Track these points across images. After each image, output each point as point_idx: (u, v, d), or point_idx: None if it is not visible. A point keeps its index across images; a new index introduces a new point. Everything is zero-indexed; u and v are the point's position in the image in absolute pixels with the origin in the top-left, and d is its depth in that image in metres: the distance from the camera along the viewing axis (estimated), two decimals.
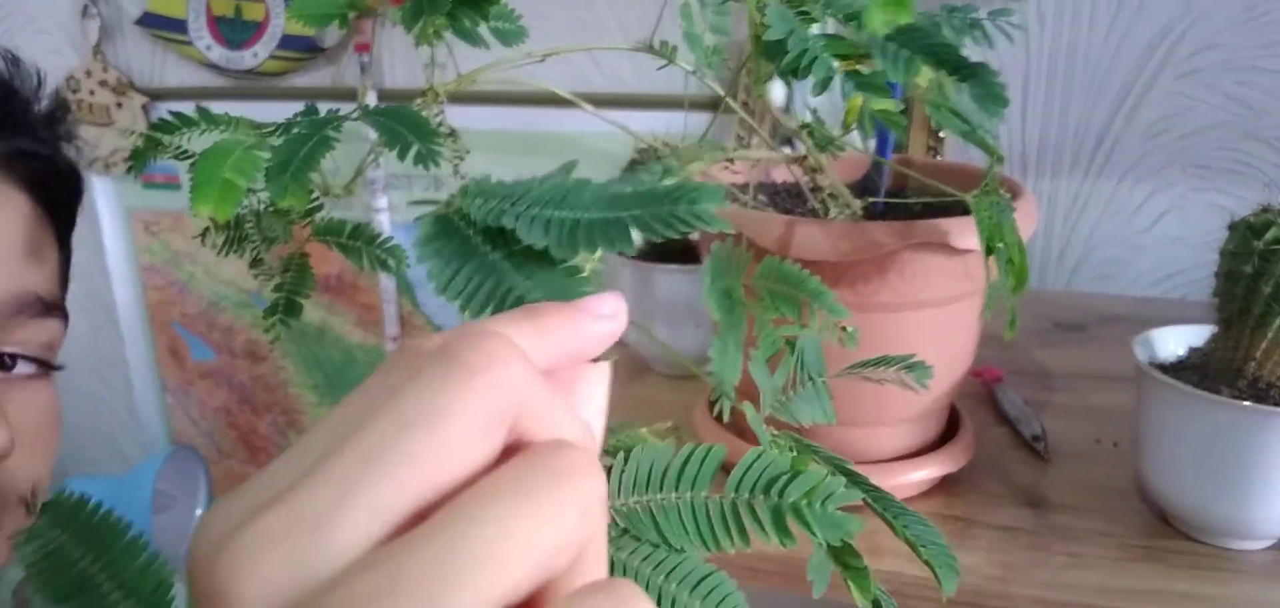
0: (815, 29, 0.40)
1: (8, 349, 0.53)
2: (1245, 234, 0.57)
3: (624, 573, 0.30)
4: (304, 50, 1.26)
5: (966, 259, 0.60)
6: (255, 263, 0.57)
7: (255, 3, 1.25)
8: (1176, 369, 0.62)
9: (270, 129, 0.48)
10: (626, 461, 0.31)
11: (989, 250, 0.48)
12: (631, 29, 1.20)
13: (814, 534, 0.29)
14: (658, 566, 0.30)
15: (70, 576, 0.33)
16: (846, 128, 0.46)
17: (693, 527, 0.30)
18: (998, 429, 0.77)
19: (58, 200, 0.58)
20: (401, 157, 0.48)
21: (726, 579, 0.30)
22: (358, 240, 0.60)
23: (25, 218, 0.55)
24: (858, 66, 0.38)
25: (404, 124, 0.48)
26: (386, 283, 1.34)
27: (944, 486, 0.68)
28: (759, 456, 0.31)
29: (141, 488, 1.23)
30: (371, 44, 1.23)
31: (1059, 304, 1.08)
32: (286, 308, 0.59)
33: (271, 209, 0.56)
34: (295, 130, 0.47)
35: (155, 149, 0.54)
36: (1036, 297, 1.11)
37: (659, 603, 0.29)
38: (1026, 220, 0.58)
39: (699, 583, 0.30)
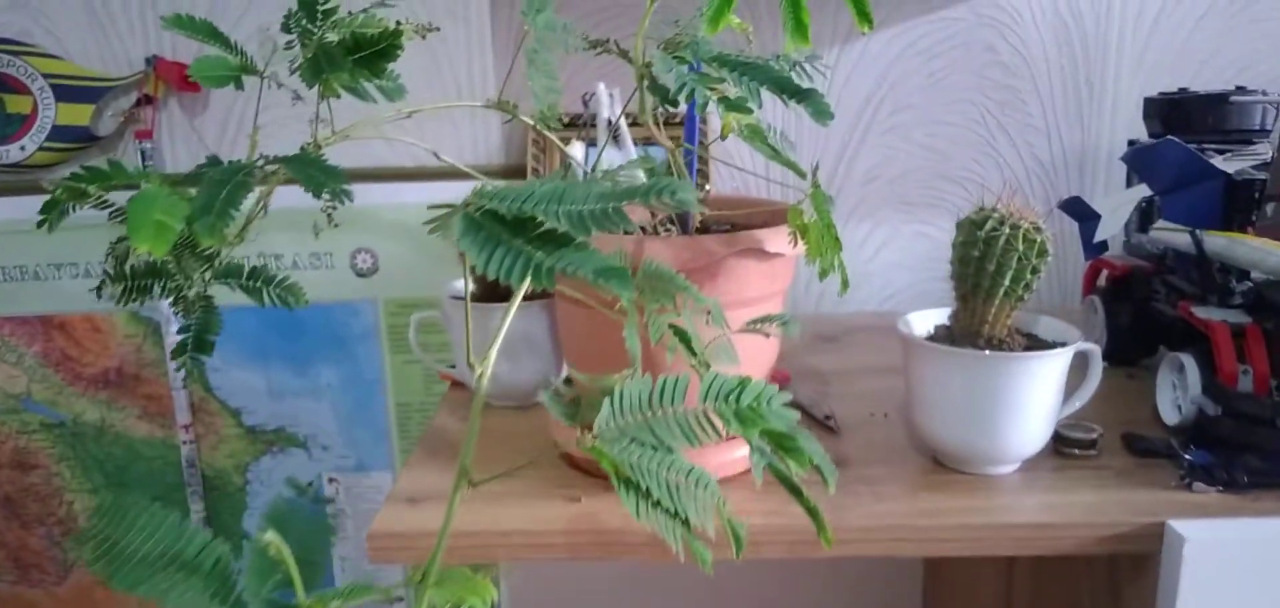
0: (685, 69, 0.52)
1: None
2: (971, 228, 0.75)
3: (633, 470, 0.39)
4: (77, 140, 1.23)
5: (774, 263, 0.74)
6: (177, 300, 0.61)
7: (21, 96, 1.21)
8: (932, 340, 0.80)
9: (181, 178, 0.54)
10: (620, 393, 0.41)
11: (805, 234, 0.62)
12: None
13: (767, 423, 0.40)
14: (659, 462, 0.40)
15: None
16: (723, 137, 0.58)
17: (679, 430, 0.40)
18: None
19: None
20: (317, 194, 0.55)
21: (706, 471, 0.41)
22: (258, 281, 0.65)
23: None
24: (723, 94, 0.50)
25: (316, 169, 0.55)
26: (175, 371, 1.31)
27: None
28: (714, 378, 0.41)
29: None
30: (153, 131, 1.23)
31: (815, 323, 1.27)
32: (196, 345, 0.63)
33: (188, 250, 0.60)
34: (206, 178, 0.52)
35: (79, 197, 0.57)
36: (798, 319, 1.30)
37: (662, 490, 0.39)
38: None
39: (689, 473, 0.40)
